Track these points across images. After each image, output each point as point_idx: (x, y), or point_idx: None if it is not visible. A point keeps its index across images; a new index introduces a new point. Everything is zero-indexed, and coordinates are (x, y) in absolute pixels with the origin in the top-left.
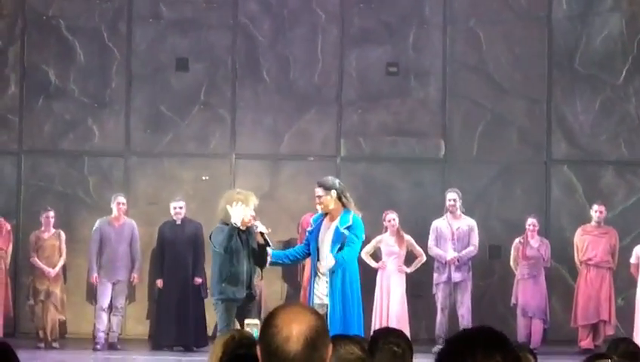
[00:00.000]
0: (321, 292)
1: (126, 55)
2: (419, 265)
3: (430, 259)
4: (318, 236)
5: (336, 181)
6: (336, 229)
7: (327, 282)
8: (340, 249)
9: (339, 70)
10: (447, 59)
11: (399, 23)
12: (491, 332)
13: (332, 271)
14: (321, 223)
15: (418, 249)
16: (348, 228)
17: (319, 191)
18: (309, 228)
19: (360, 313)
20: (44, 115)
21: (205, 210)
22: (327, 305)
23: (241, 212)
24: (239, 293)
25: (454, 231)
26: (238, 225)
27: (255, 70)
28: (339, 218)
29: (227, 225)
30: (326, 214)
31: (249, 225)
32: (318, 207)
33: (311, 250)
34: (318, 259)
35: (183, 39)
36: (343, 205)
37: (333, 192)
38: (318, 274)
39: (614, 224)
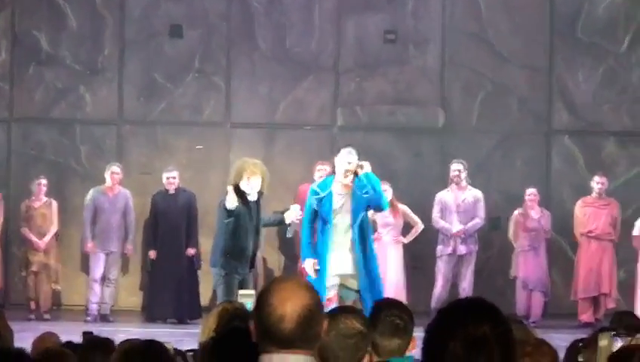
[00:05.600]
0: (340, 263)
1: (119, 21)
2: (415, 234)
3: (434, 231)
4: (331, 203)
5: None
6: (355, 195)
7: (350, 250)
8: (366, 214)
9: (336, 38)
10: (447, 26)
11: None
12: (481, 304)
13: (358, 238)
14: (331, 191)
15: (414, 218)
16: (367, 191)
17: (352, 158)
18: (317, 197)
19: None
20: (35, 83)
21: (199, 179)
22: (351, 274)
23: (297, 212)
24: (242, 269)
25: (460, 203)
26: (288, 221)
27: (250, 37)
28: (354, 185)
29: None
30: (334, 181)
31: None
32: (341, 172)
33: (324, 219)
34: (332, 227)
35: (177, 5)
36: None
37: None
38: (333, 242)
39: (616, 195)
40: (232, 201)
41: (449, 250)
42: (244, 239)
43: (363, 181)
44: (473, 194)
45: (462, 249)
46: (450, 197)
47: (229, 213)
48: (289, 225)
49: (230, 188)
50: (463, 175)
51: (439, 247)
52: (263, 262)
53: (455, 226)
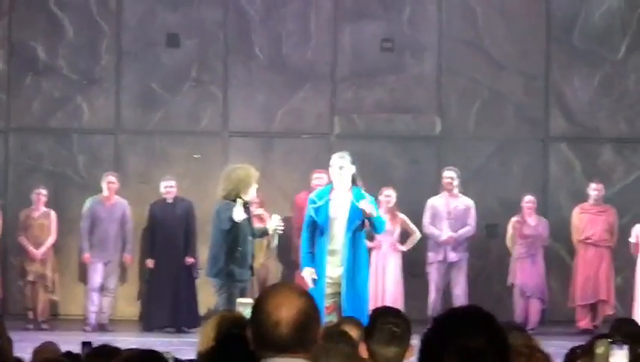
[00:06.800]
0: (334, 271)
1: (116, 31)
2: (414, 242)
3: (425, 239)
4: (328, 213)
5: None
6: (352, 205)
7: (340, 259)
8: (361, 225)
9: (332, 46)
10: (443, 34)
11: None
12: (477, 313)
13: (349, 246)
14: (328, 200)
15: (412, 226)
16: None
17: (344, 162)
18: (315, 206)
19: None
20: (33, 93)
21: (197, 188)
22: (339, 284)
23: (277, 221)
24: (246, 275)
25: (450, 210)
26: (270, 232)
27: (247, 46)
28: (352, 194)
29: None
30: (332, 190)
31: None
32: (337, 178)
33: (321, 229)
34: (329, 237)
35: (174, 15)
36: (354, 184)
37: (353, 167)
38: (329, 251)
39: (613, 202)
40: (239, 214)
41: (440, 257)
42: (245, 245)
43: (360, 191)
44: (464, 201)
45: (452, 256)
46: (441, 203)
47: (233, 222)
48: (272, 235)
49: (239, 202)
50: (455, 183)
51: (430, 254)
52: (262, 270)
53: (445, 233)
